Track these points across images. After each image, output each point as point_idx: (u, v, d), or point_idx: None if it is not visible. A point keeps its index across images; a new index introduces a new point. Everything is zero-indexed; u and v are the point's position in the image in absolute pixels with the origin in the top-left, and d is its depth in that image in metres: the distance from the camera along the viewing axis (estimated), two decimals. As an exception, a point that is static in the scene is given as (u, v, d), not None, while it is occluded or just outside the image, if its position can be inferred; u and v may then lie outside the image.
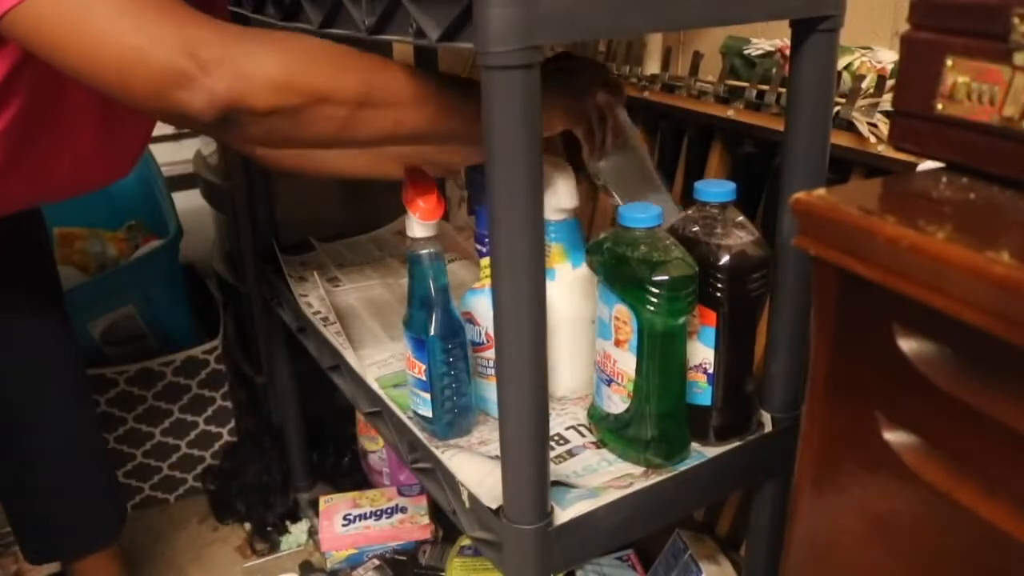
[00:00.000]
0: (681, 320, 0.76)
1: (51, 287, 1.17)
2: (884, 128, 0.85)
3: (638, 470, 0.80)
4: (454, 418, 0.87)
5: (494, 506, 0.73)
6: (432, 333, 0.83)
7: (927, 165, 0.56)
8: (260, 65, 0.63)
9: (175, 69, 0.61)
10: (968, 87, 0.50)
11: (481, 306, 0.87)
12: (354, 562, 1.35)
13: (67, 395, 1.17)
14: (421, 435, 0.88)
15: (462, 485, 0.78)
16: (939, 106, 0.52)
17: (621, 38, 1.25)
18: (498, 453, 0.71)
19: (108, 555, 1.23)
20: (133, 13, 0.62)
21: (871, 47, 0.95)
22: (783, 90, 0.95)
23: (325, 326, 1.14)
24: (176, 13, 0.63)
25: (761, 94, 1.00)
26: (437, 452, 0.84)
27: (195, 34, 0.62)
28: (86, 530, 1.20)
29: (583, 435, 0.87)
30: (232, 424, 1.65)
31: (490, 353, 0.87)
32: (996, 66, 0.48)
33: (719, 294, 0.77)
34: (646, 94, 1.16)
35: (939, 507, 0.47)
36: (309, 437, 1.54)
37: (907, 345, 0.48)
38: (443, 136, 0.75)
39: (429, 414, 0.87)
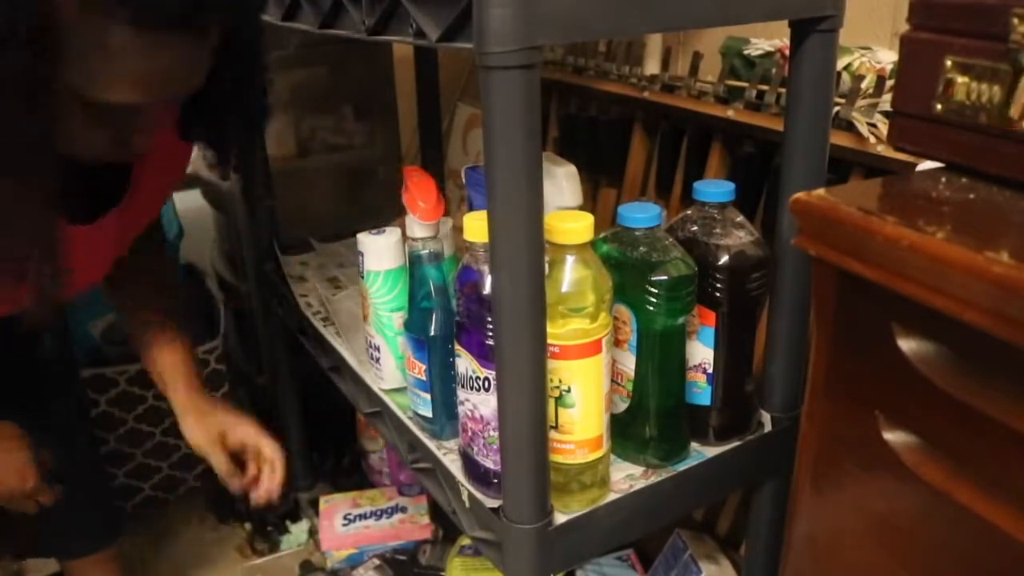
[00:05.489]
0: (680, 320, 0.76)
1: None
2: (883, 128, 0.85)
3: (638, 470, 0.80)
4: (454, 418, 0.87)
5: (494, 506, 0.73)
6: (432, 333, 0.83)
7: (926, 165, 0.56)
8: None
9: None
10: (968, 87, 0.50)
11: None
12: (354, 562, 1.36)
13: (61, 399, 1.16)
14: (421, 435, 0.88)
15: (462, 485, 0.78)
16: (938, 106, 0.52)
17: (621, 38, 1.25)
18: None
19: (106, 557, 1.23)
20: None
21: (871, 47, 0.95)
22: (783, 90, 0.95)
23: (325, 326, 1.14)
24: None
25: (761, 94, 1.00)
26: (437, 452, 0.84)
27: None
28: (75, 537, 1.19)
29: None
30: (232, 424, 1.65)
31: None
32: (996, 66, 0.48)
33: (718, 294, 0.77)
34: (646, 94, 1.16)
35: (939, 507, 0.47)
36: (309, 437, 1.54)
37: (907, 345, 0.48)
38: None
39: (429, 414, 0.87)
